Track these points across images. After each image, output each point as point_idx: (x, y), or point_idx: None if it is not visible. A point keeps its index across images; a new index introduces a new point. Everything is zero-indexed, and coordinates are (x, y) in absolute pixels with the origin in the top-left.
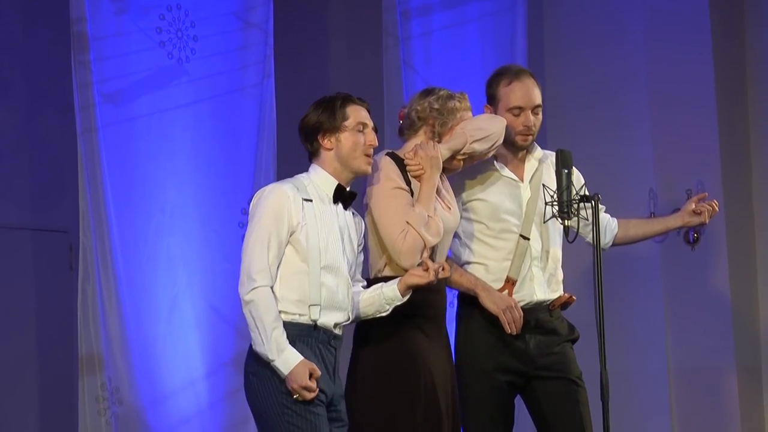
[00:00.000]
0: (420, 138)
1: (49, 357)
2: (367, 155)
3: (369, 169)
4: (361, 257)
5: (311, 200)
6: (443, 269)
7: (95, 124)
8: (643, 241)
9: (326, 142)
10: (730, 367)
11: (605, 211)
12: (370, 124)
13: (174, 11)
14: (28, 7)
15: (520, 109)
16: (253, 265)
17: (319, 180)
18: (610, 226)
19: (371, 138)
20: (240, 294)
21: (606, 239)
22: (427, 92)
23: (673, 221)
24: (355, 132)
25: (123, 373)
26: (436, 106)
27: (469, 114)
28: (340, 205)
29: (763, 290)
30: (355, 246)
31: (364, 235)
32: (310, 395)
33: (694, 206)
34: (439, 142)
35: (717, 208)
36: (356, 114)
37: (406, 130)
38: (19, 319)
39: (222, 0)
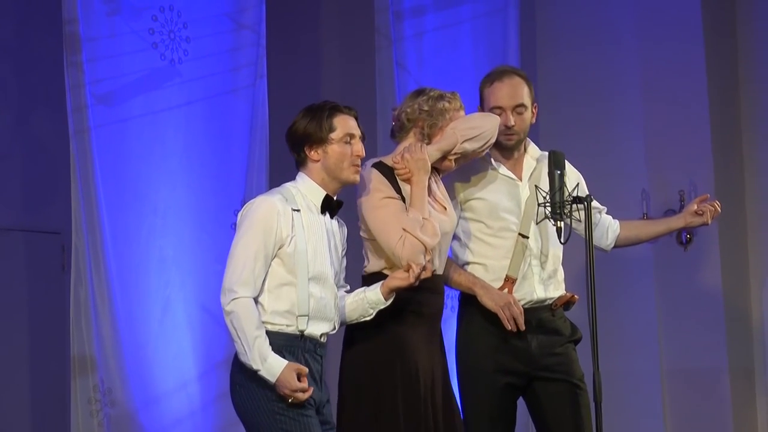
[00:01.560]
0: (410, 140)
1: (42, 358)
2: (355, 165)
3: (357, 178)
4: (344, 262)
5: (299, 210)
6: (425, 270)
7: (87, 126)
8: (646, 242)
9: (313, 154)
10: (722, 368)
11: (606, 212)
12: (358, 133)
13: (166, 12)
14: (19, 8)
15: (500, 108)
16: (235, 276)
17: (307, 190)
18: (612, 227)
19: (358, 149)
20: (221, 304)
21: (608, 240)
22: (418, 93)
23: (675, 222)
24: (342, 143)
25: (115, 374)
26: (425, 108)
27: (461, 113)
28: (328, 216)
29: (755, 291)
30: (340, 252)
31: (347, 240)
32: (304, 396)
33: (696, 207)
34: (429, 143)
35: (719, 209)
36: (343, 125)
37: (397, 133)
38: (11, 320)
39: (214, 1)
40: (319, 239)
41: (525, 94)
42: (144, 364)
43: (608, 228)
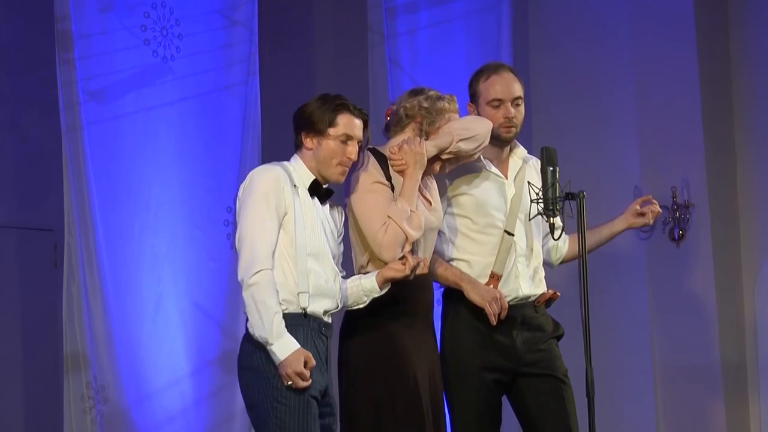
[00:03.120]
0: (406, 135)
1: (34, 355)
2: (343, 166)
3: (341, 179)
4: (342, 247)
5: (297, 186)
6: (423, 265)
7: (80, 123)
8: (595, 249)
9: (308, 141)
10: (714, 364)
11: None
12: (357, 137)
13: (159, 9)
14: (12, 5)
15: (500, 101)
16: (255, 249)
17: (300, 171)
18: (559, 243)
19: (351, 151)
20: (241, 276)
21: (556, 256)
22: (417, 91)
23: (618, 225)
24: (337, 142)
25: (108, 371)
26: (425, 105)
27: (457, 116)
28: (317, 200)
29: (747, 287)
30: (337, 236)
31: (344, 226)
32: (303, 383)
33: (638, 207)
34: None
35: (659, 210)
36: (345, 124)
37: (392, 127)
38: (4, 317)
39: None
40: (315, 218)
41: (520, 88)
42: (137, 361)
43: (557, 244)
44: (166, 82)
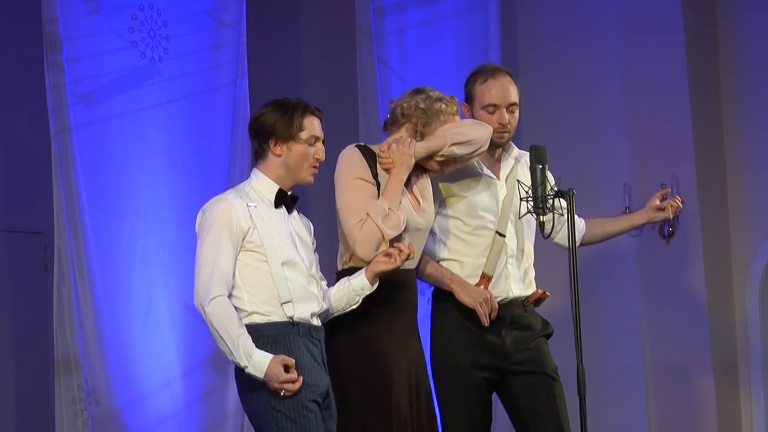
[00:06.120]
0: (401, 134)
1: (25, 358)
2: (314, 167)
3: (312, 180)
4: (317, 256)
5: (255, 205)
6: (410, 252)
7: (69, 125)
8: (611, 239)
9: (277, 149)
10: (705, 361)
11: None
12: (322, 137)
13: (146, 11)
14: None
15: (495, 106)
16: (207, 277)
17: (261, 185)
18: (578, 226)
19: (320, 153)
20: (197, 303)
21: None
22: (418, 91)
23: (638, 218)
24: (306, 145)
25: (99, 373)
26: (422, 106)
27: (456, 119)
28: (285, 210)
29: (738, 284)
30: (310, 245)
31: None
32: (294, 387)
33: (658, 202)
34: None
35: (681, 204)
36: (311, 126)
37: (389, 125)
38: None
39: None
40: (282, 229)
41: (516, 93)
42: (128, 363)
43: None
44: (155, 83)
